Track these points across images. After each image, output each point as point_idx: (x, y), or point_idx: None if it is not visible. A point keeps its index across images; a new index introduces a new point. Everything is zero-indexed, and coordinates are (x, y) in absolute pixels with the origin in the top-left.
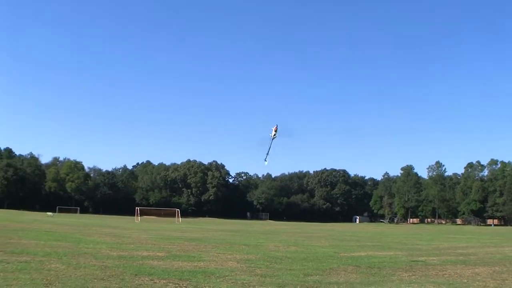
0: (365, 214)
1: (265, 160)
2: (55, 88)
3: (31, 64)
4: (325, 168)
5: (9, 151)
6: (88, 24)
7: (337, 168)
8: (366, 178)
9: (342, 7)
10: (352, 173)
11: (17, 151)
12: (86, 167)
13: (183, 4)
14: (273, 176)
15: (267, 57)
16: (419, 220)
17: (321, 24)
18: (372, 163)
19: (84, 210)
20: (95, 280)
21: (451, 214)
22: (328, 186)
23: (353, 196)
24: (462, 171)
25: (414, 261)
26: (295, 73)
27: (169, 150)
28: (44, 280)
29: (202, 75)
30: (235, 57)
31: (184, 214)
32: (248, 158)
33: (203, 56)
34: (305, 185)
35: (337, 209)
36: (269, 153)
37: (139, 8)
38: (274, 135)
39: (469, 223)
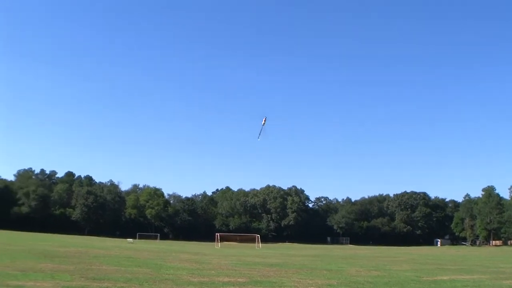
0: (446, 237)
1: (258, 138)
2: (132, 118)
3: (108, 92)
4: (405, 191)
5: (89, 178)
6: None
7: (417, 191)
8: (447, 200)
9: None
10: (432, 195)
11: (97, 179)
12: (165, 194)
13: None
14: (352, 200)
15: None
16: (502, 242)
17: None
18: (452, 184)
19: (164, 237)
20: None
21: None
22: (409, 209)
23: (434, 219)
24: None
25: (498, 284)
26: (377, 93)
27: (248, 176)
28: None
29: (278, 98)
30: (317, 79)
31: (264, 239)
32: (328, 182)
33: (281, 79)
34: (385, 209)
35: (418, 232)
36: (261, 133)
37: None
38: (263, 123)
39: None
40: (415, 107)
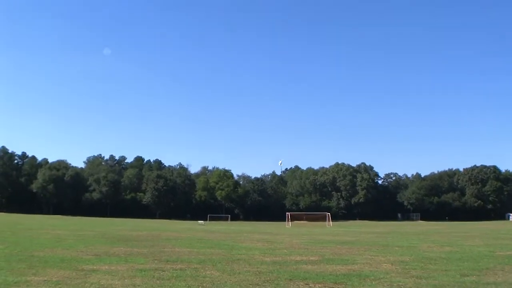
0: None
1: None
2: (202, 100)
3: (168, 77)
4: (475, 165)
5: (159, 162)
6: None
7: (487, 164)
8: None
9: None
10: (503, 168)
11: (166, 163)
12: (235, 175)
13: None
14: (422, 176)
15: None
16: None
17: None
18: None
19: (234, 218)
20: (250, 286)
21: None
22: (479, 183)
23: (505, 193)
24: None
25: None
26: (447, 61)
27: (317, 154)
28: (200, 287)
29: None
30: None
31: (335, 217)
32: (397, 158)
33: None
34: (455, 183)
35: (489, 206)
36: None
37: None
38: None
39: None
40: (483, 78)
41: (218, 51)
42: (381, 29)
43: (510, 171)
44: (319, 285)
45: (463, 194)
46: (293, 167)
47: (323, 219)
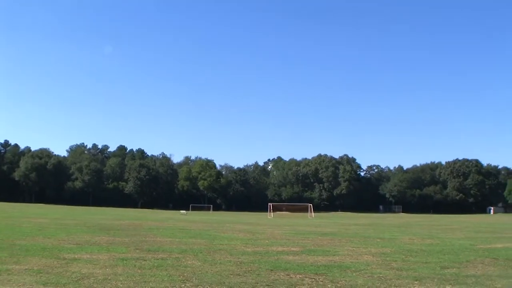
0: (500, 204)
1: None
2: (185, 91)
3: (151, 67)
4: (457, 158)
5: (141, 152)
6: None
7: (469, 158)
8: (500, 167)
9: None
10: (485, 162)
11: (149, 152)
12: (217, 165)
13: None
14: (404, 168)
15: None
16: None
17: None
18: (505, 151)
19: (217, 208)
20: (231, 276)
21: None
22: (461, 176)
23: (487, 187)
24: None
25: None
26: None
27: (300, 145)
28: (181, 277)
29: (329, 63)
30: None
31: (317, 209)
32: (379, 150)
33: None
34: (437, 176)
35: (471, 200)
36: None
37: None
38: None
39: None
40: (465, 73)
41: (200, 41)
42: (359, 28)
43: (492, 165)
44: (300, 276)
45: (445, 187)
46: (275, 158)
47: (305, 210)
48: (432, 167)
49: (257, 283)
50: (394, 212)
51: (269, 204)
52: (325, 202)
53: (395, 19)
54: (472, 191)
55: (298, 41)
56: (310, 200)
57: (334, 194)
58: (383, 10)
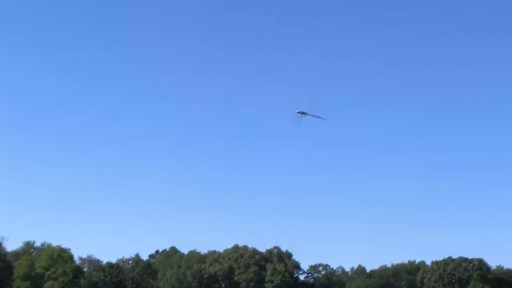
0: None
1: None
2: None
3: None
4: (449, 257)
5: None
6: None
7: (469, 257)
8: None
9: None
10: (493, 263)
11: None
12: (76, 258)
13: None
14: (368, 270)
15: None
16: None
17: None
18: None
19: None
20: None
21: None
22: (456, 284)
23: None
24: None
25: None
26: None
27: (206, 232)
28: None
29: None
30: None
31: None
32: (329, 243)
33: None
34: (418, 284)
35: None
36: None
37: None
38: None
39: None
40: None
41: None
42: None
43: (504, 267)
44: None
45: None
46: (167, 249)
47: None
48: (411, 270)
49: None
50: None
51: None
52: None
53: None
54: None
55: None
56: None
57: None
58: None
